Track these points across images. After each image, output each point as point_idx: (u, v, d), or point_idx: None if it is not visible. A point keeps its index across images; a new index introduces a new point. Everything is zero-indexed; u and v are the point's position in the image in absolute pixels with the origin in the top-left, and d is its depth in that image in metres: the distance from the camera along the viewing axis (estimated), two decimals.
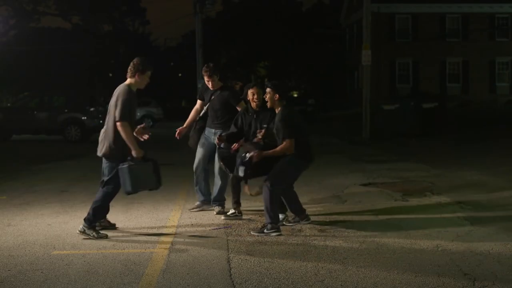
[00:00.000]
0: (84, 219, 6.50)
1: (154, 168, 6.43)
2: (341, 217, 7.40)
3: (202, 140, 7.93)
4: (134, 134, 6.97)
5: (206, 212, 7.84)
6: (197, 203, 8.03)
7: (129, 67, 6.56)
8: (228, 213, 7.54)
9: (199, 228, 6.98)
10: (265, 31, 49.65)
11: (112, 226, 6.92)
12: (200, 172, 7.95)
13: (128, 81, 6.58)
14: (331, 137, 21.01)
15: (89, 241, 6.38)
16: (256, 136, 7.04)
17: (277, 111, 6.75)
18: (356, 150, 16.62)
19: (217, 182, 7.83)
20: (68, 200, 9.05)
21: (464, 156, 14.08)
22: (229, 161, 7.21)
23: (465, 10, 40.04)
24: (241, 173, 6.66)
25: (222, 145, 7.25)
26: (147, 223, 7.27)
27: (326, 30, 46.93)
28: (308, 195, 8.80)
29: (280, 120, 6.58)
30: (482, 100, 36.40)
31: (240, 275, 5.12)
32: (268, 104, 6.80)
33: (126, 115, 6.33)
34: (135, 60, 6.59)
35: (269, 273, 5.16)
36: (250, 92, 7.24)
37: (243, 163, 6.61)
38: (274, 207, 6.55)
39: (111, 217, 7.01)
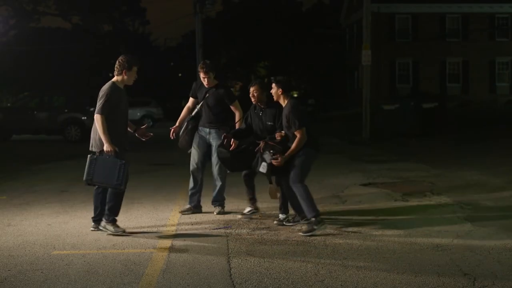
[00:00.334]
0: (104, 216, 6.68)
1: (120, 168, 6.40)
2: (341, 217, 7.40)
3: (196, 140, 7.75)
4: (136, 135, 7.01)
5: (206, 212, 7.83)
6: (188, 206, 7.84)
7: (116, 66, 6.67)
8: (245, 211, 7.50)
9: (199, 228, 6.98)
10: (265, 31, 49.62)
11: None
12: (197, 177, 7.76)
13: (115, 78, 6.69)
14: (331, 137, 20.99)
15: (89, 241, 6.39)
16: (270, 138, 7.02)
17: (283, 104, 6.82)
18: (356, 150, 16.62)
19: (216, 183, 7.77)
20: (68, 200, 9.05)
21: (464, 156, 14.08)
22: (229, 160, 7.22)
23: (465, 10, 40.02)
24: (262, 169, 6.67)
25: (225, 142, 7.25)
26: (147, 223, 7.27)
27: (326, 30, 46.91)
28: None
29: (290, 110, 6.63)
30: (482, 100, 36.38)
31: (240, 275, 5.12)
32: (274, 98, 6.89)
33: (103, 110, 6.45)
34: (120, 58, 6.68)
35: (269, 273, 5.16)
36: (250, 89, 7.30)
37: (266, 162, 6.63)
38: (312, 200, 6.55)
39: None
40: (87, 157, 6.57)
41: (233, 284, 4.91)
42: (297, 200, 6.95)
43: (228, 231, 6.78)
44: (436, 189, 9.32)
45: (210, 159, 7.77)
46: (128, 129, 6.86)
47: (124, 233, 6.59)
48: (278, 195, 7.06)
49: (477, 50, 39.50)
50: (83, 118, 21.13)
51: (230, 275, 5.13)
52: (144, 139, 7.09)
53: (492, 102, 36.36)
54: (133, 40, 48.83)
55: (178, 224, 7.21)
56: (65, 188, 10.20)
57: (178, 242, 6.29)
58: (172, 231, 6.85)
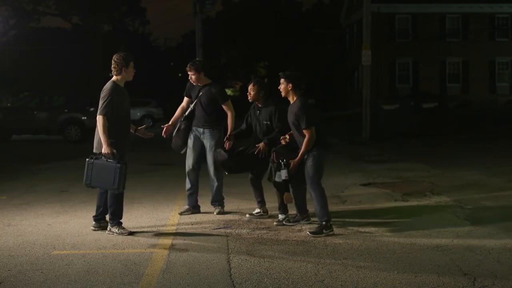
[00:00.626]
0: (109, 220, 6.72)
1: (116, 172, 6.38)
2: (341, 217, 7.40)
3: (191, 141, 7.71)
4: (137, 134, 7.02)
5: (206, 212, 7.83)
6: (187, 206, 7.83)
7: (112, 66, 6.65)
8: (253, 212, 7.50)
9: (199, 228, 6.98)
10: (265, 31, 49.63)
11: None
12: (193, 178, 7.73)
13: (115, 77, 6.68)
14: (331, 137, 20.95)
15: (89, 241, 6.39)
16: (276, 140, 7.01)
17: (292, 101, 6.69)
18: (356, 150, 16.62)
19: (213, 183, 7.75)
20: (68, 200, 9.05)
21: (464, 156, 14.08)
22: (227, 162, 7.22)
23: (465, 10, 39.98)
24: (283, 177, 6.60)
25: (226, 144, 7.26)
26: (147, 223, 7.27)
27: (326, 30, 46.90)
28: (308, 194, 8.78)
29: (299, 108, 6.52)
30: (482, 100, 36.33)
31: (240, 275, 5.12)
32: (282, 94, 6.74)
33: (106, 110, 6.45)
34: (115, 57, 6.66)
35: (269, 273, 5.16)
36: (248, 87, 7.28)
37: (282, 177, 6.59)
38: (327, 205, 6.54)
39: None
40: (87, 157, 6.58)
41: (233, 284, 4.91)
42: (302, 200, 6.97)
43: (228, 231, 6.78)
44: (436, 189, 9.32)
45: (205, 159, 7.71)
46: None
47: (130, 234, 6.59)
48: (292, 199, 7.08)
49: (477, 50, 39.48)
50: (83, 118, 21.12)
51: (230, 275, 5.13)
52: (146, 137, 7.13)
53: (492, 102, 36.32)
54: (133, 40, 48.84)
55: (178, 224, 7.21)
56: (65, 188, 10.20)
57: (178, 242, 6.29)
58: (172, 231, 6.85)
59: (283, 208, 7.14)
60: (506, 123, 22.57)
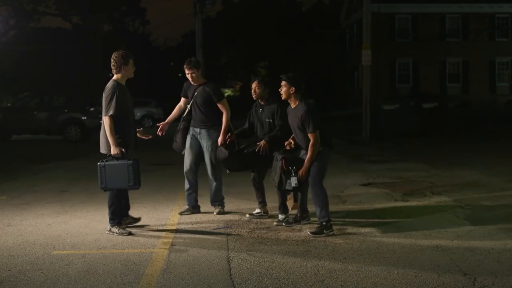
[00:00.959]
0: (108, 220, 6.71)
1: (129, 169, 6.42)
2: (341, 217, 7.40)
3: (189, 141, 7.71)
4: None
5: (206, 212, 7.83)
6: (186, 207, 7.83)
7: (112, 64, 6.67)
8: (253, 212, 7.50)
9: (199, 228, 6.98)
10: (265, 31, 49.64)
11: (137, 220, 7.09)
12: (191, 179, 7.73)
13: (115, 76, 6.69)
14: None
15: (89, 241, 6.39)
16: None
17: (293, 105, 6.64)
18: (356, 150, 16.62)
19: (212, 183, 7.75)
20: (68, 200, 9.05)
21: (464, 156, 14.08)
22: (228, 161, 7.22)
23: (465, 10, 39.98)
24: (293, 184, 6.59)
25: (228, 142, 7.26)
26: (147, 223, 7.27)
27: (326, 30, 46.91)
28: (308, 194, 8.79)
29: (305, 112, 6.48)
30: (482, 100, 36.35)
31: (240, 275, 5.12)
32: (283, 97, 6.68)
33: (111, 110, 6.46)
34: (114, 56, 6.68)
35: (269, 273, 5.16)
36: (252, 85, 7.28)
37: (292, 175, 6.57)
38: (328, 206, 6.54)
39: None
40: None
41: (233, 284, 4.91)
42: (304, 200, 6.98)
43: (228, 231, 6.78)
44: (436, 189, 9.33)
45: (203, 159, 7.70)
46: None
47: (130, 234, 6.59)
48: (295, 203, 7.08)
49: (477, 50, 39.49)
50: (83, 118, 21.12)
51: (230, 275, 5.13)
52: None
53: (492, 102, 36.33)
54: (133, 40, 48.85)
55: (178, 224, 7.21)
56: (65, 188, 10.20)
57: (178, 242, 6.29)
58: (172, 231, 6.85)
59: (283, 208, 7.13)
60: (506, 123, 22.58)
